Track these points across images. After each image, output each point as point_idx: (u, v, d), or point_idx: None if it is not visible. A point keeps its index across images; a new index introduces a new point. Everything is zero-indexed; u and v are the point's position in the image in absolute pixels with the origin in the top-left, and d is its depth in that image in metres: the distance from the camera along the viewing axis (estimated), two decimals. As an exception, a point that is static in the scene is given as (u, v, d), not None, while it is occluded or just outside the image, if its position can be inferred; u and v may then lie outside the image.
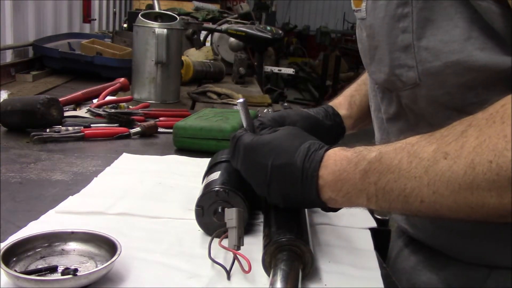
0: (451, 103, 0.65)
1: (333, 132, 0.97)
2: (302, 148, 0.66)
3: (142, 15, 1.87)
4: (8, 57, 2.34)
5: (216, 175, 0.81)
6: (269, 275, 0.63)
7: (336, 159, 0.64)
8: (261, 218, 0.83)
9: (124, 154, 1.18)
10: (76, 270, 0.59)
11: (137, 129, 1.37)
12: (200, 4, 3.73)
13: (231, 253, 0.66)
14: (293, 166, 0.66)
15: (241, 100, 0.78)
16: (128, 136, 1.35)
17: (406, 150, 0.58)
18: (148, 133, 1.39)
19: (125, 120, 1.43)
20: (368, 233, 0.83)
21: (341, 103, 1.00)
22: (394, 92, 0.71)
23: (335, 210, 0.70)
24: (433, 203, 0.55)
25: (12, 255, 0.62)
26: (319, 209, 0.89)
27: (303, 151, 0.66)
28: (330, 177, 0.64)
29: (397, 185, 0.58)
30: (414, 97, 0.68)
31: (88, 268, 0.63)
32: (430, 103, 0.67)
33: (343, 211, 0.90)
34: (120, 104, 1.60)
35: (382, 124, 0.80)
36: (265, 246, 0.65)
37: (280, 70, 4.26)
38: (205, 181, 0.82)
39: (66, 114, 1.42)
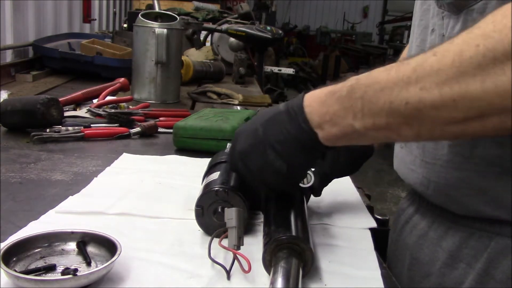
0: None
1: None
2: (283, 103, 0.72)
3: (142, 15, 1.87)
4: (8, 57, 2.34)
5: (215, 175, 0.81)
6: (269, 274, 0.63)
7: (321, 89, 0.68)
8: (261, 218, 0.83)
9: (124, 154, 1.18)
10: (76, 270, 0.59)
11: (137, 129, 1.37)
12: (200, 4, 3.73)
13: (231, 253, 0.66)
14: (279, 113, 0.70)
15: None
16: (128, 136, 1.35)
17: (396, 64, 0.60)
18: (148, 133, 1.39)
19: (125, 120, 1.43)
20: (368, 233, 0.83)
21: None
22: (463, 11, 0.72)
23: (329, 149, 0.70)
24: (417, 103, 0.56)
25: (12, 255, 0.62)
26: (319, 210, 0.90)
27: (284, 103, 0.72)
28: (316, 102, 0.67)
29: (383, 93, 0.59)
30: (483, 9, 0.68)
31: (88, 268, 0.63)
32: None
33: (343, 211, 0.90)
34: (120, 104, 1.60)
35: None
36: (265, 245, 0.65)
37: (280, 70, 4.26)
38: (205, 181, 0.82)
39: (66, 114, 1.42)
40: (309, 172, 0.82)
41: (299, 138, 0.68)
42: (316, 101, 0.67)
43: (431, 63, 0.56)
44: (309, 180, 0.82)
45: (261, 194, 0.84)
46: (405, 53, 1.04)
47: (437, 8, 0.77)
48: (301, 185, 0.81)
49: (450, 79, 0.54)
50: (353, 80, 0.63)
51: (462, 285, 0.76)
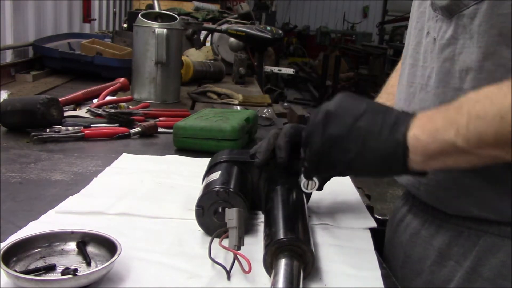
0: (503, 27, 0.65)
1: None
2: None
3: (142, 15, 1.87)
4: (8, 57, 2.34)
5: (216, 175, 0.81)
6: (270, 275, 0.63)
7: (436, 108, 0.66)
8: (261, 218, 0.83)
9: (124, 154, 1.18)
10: (76, 270, 0.59)
11: (137, 129, 1.37)
12: (200, 4, 3.73)
13: (231, 253, 0.66)
14: (389, 112, 0.68)
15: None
16: (128, 136, 1.35)
17: (507, 82, 0.59)
18: (148, 133, 1.39)
19: (125, 120, 1.43)
20: (368, 233, 0.83)
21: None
22: (455, 15, 0.71)
23: (418, 173, 0.68)
24: None
25: (12, 255, 0.62)
26: (320, 210, 0.90)
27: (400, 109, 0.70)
28: (424, 118, 0.65)
29: (493, 107, 0.58)
30: (474, 14, 0.68)
31: (88, 268, 0.63)
32: (485, 22, 0.67)
33: (343, 211, 0.90)
34: (120, 104, 1.60)
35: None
36: (266, 246, 0.65)
37: (280, 70, 4.25)
38: (205, 181, 0.82)
39: (66, 114, 1.42)
40: (314, 178, 0.81)
41: (386, 141, 0.65)
42: (426, 115, 0.65)
43: None
44: (313, 186, 0.81)
45: (262, 194, 0.85)
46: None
47: (432, 11, 0.77)
48: (304, 189, 0.80)
49: None
50: (463, 97, 0.62)
51: (450, 282, 0.77)
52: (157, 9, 2.60)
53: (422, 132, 0.64)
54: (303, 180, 0.79)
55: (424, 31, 0.81)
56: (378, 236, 0.85)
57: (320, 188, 0.87)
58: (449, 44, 0.73)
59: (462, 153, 0.61)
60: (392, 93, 0.98)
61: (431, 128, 0.63)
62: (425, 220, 0.84)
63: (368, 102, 0.70)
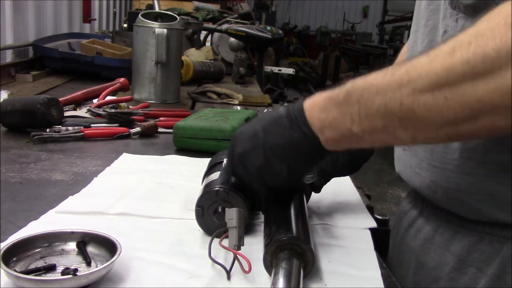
0: None
1: None
2: (282, 107, 0.72)
3: (142, 15, 1.87)
4: (8, 57, 2.34)
5: (216, 175, 0.81)
6: (270, 275, 0.63)
7: (321, 94, 0.68)
8: (261, 218, 0.83)
9: (124, 154, 1.18)
10: (76, 270, 0.59)
11: (137, 129, 1.37)
12: (200, 4, 3.73)
13: (231, 253, 0.66)
14: (279, 117, 0.70)
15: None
16: (128, 136, 1.35)
17: (392, 67, 0.61)
18: (148, 133, 1.39)
19: (125, 120, 1.43)
20: (368, 233, 0.83)
21: None
22: (482, 13, 0.69)
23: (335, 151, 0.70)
24: (411, 104, 0.56)
25: (12, 255, 0.62)
26: (320, 210, 0.90)
27: (284, 107, 0.72)
28: (316, 107, 0.67)
29: (378, 95, 0.59)
30: None
31: (88, 268, 0.63)
32: None
33: (343, 211, 0.90)
34: (120, 104, 1.60)
35: None
36: (266, 246, 0.65)
37: (280, 70, 4.26)
38: (205, 181, 0.82)
39: (66, 114, 1.42)
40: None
41: (300, 142, 0.68)
42: (316, 106, 0.67)
43: (422, 63, 0.56)
44: (308, 181, 0.81)
45: (261, 194, 0.84)
46: (403, 52, 1.03)
47: (451, 9, 0.76)
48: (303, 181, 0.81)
49: (440, 79, 0.54)
50: (350, 84, 0.64)
51: None
52: (157, 9, 2.60)
53: (323, 124, 0.66)
54: None
55: (439, 29, 0.79)
56: (378, 236, 0.85)
57: (318, 190, 0.87)
58: None
59: (360, 138, 0.63)
60: None
61: (330, 119, 0.65)
62: (439, 225, 0.81)
63: (259, 122, 0.73)
